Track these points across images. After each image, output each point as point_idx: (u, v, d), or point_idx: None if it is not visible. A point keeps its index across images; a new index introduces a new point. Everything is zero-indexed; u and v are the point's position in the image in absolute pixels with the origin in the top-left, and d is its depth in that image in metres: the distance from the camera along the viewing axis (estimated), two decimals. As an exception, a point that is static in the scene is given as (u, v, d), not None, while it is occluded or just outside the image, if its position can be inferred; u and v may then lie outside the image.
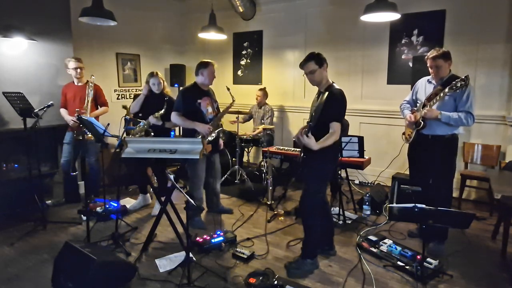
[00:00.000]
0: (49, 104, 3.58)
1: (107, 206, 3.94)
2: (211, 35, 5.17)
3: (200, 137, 3.42)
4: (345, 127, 4.24)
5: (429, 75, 3.24)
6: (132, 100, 4.64)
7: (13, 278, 2.80)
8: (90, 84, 4.12)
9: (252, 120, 5.80)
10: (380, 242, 3.27)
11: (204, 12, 5.44)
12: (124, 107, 3.87)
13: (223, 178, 4.93)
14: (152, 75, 3.90)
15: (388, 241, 3.29)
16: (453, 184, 3.25)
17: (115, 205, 3.85)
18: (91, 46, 5.23)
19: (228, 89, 3.79)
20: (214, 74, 3.65)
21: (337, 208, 3.83)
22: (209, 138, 3.51)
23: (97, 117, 4.01)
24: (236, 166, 5.20)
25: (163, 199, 3.19)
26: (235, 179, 5.16)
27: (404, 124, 3.42)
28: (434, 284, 2.72)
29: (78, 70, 4.11)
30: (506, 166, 3.68)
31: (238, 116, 5.21)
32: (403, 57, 4.90)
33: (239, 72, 6.46)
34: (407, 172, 3.71)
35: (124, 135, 3.17)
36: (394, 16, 3.63)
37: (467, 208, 4.31)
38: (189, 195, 2.69)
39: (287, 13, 5.75)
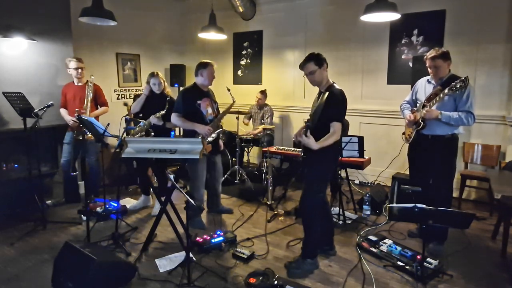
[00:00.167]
0: (49, 104, 3.58)
1: (107, 206, 3.94)
2: (211, 35, 5.17)
3: (200, 137, 3.42)
4: (345, 127, 4.24)
5: (429, 75, 3.24)
6: (132, 100, 4.64)
7: (13, 278, 2.80)
8: (90, 84, 4.12)
9: (252, 120, 5.80)
10: (380, 242, 3.27)
11: (204, 12, 5.44)
12: (125, 104, 3.86)
13: (223, 178, 4.92)
14: (152, 75, 3.90)
15: (388, 241, 3.29)
16: (453, 184, 3.25)
17: (115, 205, 3.85)
18: (91, 46, 5.23)
19: (229, 90, 3.79)
20: (214, 74, 3.65)
21: (337, 208, 3.83)
22: (209, 139, 3.51)
23: (97, 117, 4.00)
24: (236, 166, 5.20)
25: (163, 199, 3.19)
26: (235, 179, 5.16)
27: (404, 124, 3.42)
28: (434, 284, 2.72)
29: (79, 70, 4.11)
30: (506, 166, 3.68)
31: (238, 116, 5.21)
32: (403, 57, 4.90)
33: (239, 72, 6.46)
34: (407, 172, 3.71)
35: (124, 135, 3.17)
36: (394, 16, 3.63)
37: (467, 208, 4.31)
38: (189, 195, 2.69)
39: (287, 13, 5.75)
